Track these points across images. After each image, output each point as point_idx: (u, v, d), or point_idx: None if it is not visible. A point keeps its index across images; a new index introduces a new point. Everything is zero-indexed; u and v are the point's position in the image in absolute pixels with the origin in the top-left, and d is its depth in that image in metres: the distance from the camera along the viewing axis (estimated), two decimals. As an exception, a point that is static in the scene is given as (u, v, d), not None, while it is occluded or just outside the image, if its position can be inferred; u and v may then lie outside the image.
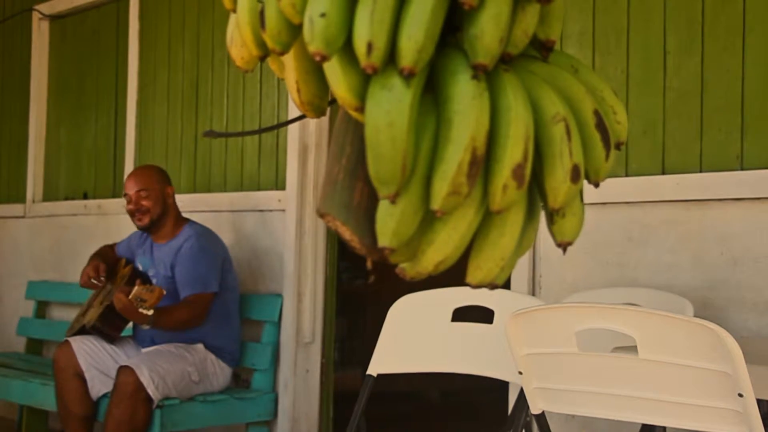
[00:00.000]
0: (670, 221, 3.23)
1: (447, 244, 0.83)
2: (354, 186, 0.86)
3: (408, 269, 0.85)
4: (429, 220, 0.84)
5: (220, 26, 4.83)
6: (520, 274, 3.54)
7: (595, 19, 3.46)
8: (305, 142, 4.48)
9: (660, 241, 3.25)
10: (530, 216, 0.88)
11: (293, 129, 4.47)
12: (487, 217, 0.85)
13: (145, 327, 3.95)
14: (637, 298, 3.04)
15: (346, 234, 0.85)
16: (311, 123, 4.45)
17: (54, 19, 6.02)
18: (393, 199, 0.81)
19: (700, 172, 3.17)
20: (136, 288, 3.78)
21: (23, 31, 6.14)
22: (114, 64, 5.54)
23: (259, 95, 4.70)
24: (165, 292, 3.85)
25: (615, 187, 3.31)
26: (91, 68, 5.75)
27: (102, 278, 4.22)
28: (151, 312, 3.76)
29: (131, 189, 4.25)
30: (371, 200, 0.85)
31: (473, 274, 0.85)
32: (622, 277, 3.32)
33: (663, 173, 3.26)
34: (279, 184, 4.57)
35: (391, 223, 0.82)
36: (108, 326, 4.06)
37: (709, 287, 3.12)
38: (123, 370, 3.79)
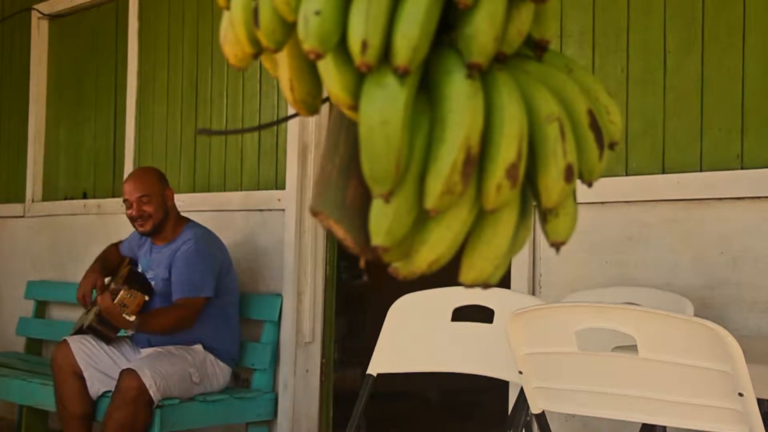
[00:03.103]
0: (670, 220, 3.23)
1: (440, 243, 0.83)
2: (347, 184, 0.86)
3: (401, 268, 0.85)
4: (422, 219, 0.83)
5: (219, 26, 4.82)
6: (519, 273, 3.53)
7: (595, 18, 3.45)
8: (305, 142, 4.47)
9: (660, 240, 3.24)
10: (523, 215, 0.88)
11: (293, 128, 4.47)
12: (481, 217, 0.84)
13: (129, 332, 3.95)
14: (637, 297, 3.03)
15: (339, 233, 0.85)
16: (311, 122, 4.45)
17: (53, 18, 6.02)
18: (387, 198, 0.81)
19: (700, 171, 3.16)
20: (120, 293, 3.78)
21: (22, 31, 6.14)
22: (113, 63, 5.54)
23: (258, 95, 4.70)
24: (147, 299, 3.84)
25: (615, 187, 3.30)
26: (90, 68, 5.75)
27: (106, 282, 4.23)
28: (132, 318, 3.76)
29: (131, 195, 4.19)
30: (365, 199, 0.84)
31: (466, 273, 0.85)
32: (622, 277, 3.32)
33: (663, 172, 3.26)
34: (279, 184, 4.57)
35: (384, 221, 0.81)
36: (104, 326, 4.05)
37: (709, 286, 3.11)
38: (126, 373, 3.77)
